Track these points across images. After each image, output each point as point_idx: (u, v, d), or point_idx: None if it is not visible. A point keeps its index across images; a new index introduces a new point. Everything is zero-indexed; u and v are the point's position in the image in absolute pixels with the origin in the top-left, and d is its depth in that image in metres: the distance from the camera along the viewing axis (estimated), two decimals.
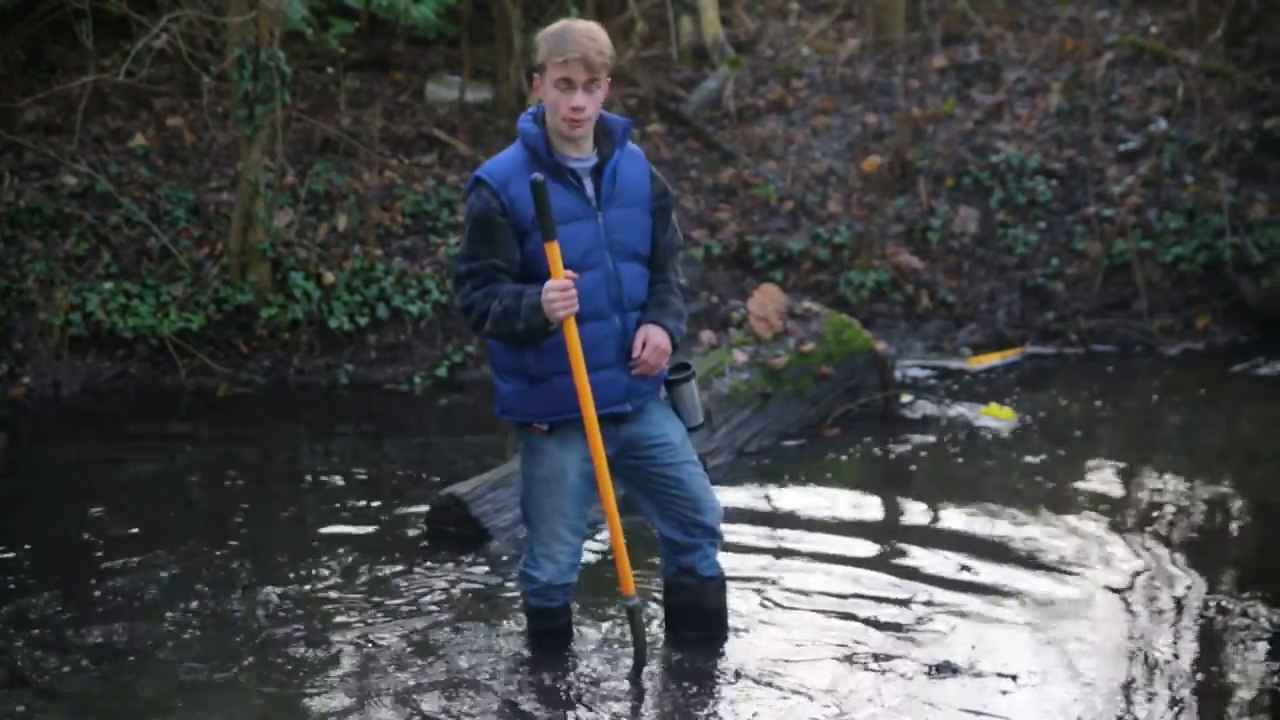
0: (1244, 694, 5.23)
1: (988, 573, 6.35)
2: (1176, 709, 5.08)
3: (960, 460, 8.09)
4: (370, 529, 7.07)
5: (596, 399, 5.02)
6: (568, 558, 5.28)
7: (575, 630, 5.57)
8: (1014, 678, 5.27)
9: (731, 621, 5.78)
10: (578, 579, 5.40)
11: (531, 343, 4.99)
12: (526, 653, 5.49)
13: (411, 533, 6.97)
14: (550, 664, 5.39)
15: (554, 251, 4.90)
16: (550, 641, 5.47)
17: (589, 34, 4.96)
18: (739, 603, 6.01)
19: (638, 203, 5.15)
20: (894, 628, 5.77)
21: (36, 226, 10.09)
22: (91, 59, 10.45)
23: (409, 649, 5.61)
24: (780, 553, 6.67)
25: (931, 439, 8.48)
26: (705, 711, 5.07)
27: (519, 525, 6.86)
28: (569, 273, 4.91)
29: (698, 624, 5.52)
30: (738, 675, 5.33)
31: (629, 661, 5.38)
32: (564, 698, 5.16)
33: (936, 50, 13.11)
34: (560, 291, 4.86)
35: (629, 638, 5.41)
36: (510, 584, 6.22)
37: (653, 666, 5.34)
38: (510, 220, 4.99)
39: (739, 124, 12.19)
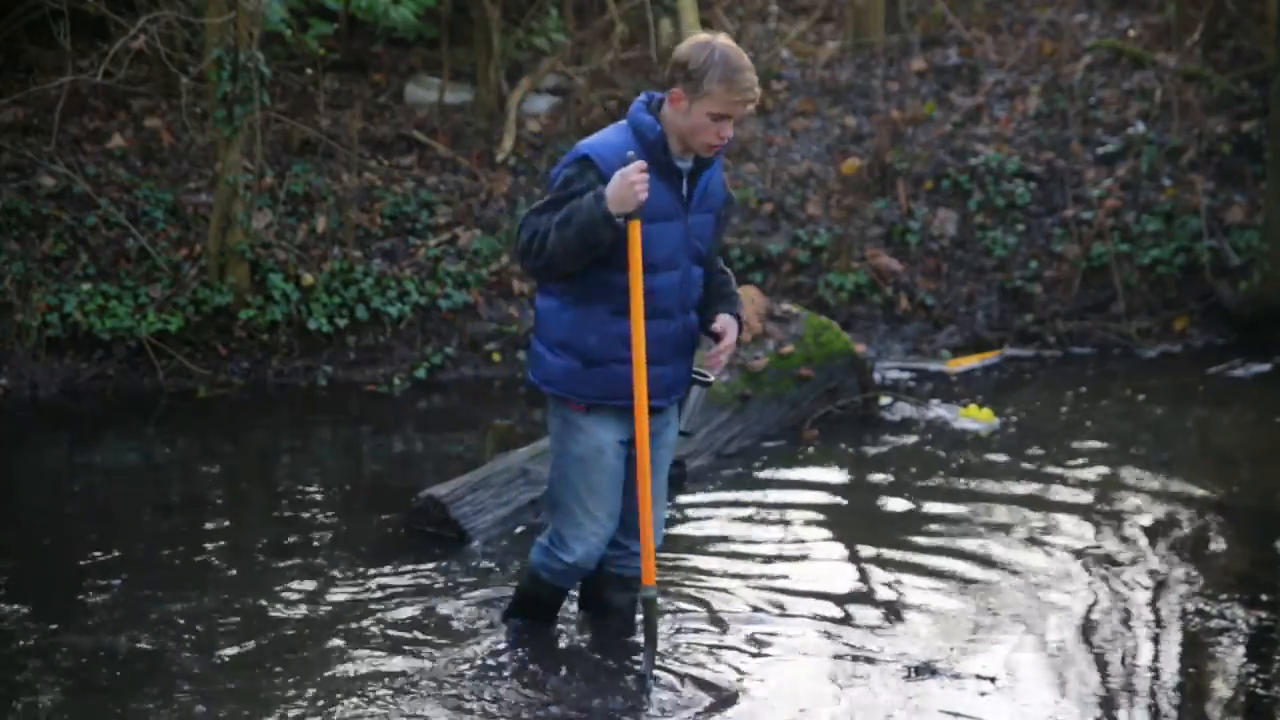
0: (1222, 695, 5.25)
1: (966, 574, 6.36)
2: (1155, 711, 5.10)
3: (938, 462, 8.10)
4: (349, 530, 7.05)
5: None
6: (600, 541, 5.23)
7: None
8: (993, 679, 5.29)
9: (710, 623, 5.79)
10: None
11: (592, 247, 4.90)
12: (505, 655, 5.47)
13: (390, 534, 6.96)
14: (538, 659, 5.37)
15: (635, 231, 4.91)
16: (539, 613, 5.49)
17: (752, 68, 4.95)
18: (717, 604, 6.02)
19: (714, 209, 5.20)
20: (873, 629, 5.78)
21: (14, 228, 10.05)
22: (69, 59, 10.40)
23: (387, 651, 5.60)
24: (759, 554, 6.67)
25: (910, 441, 8.49)
26: (684, 711, 5.06)
27: (499, 526, 6.87)
28: (641, 161, 4.89)
29: (602, 609, 5.55)
30: (716, 675, 5.33)
31: (601, 657, 5.37)
32: (550, 696, 5.16)
33: (915, 53, 13.13)
34: (636, 175, 4.84)
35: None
36: (489, 585, 6.21)
37: (626, 664, 5.33)
38: None
39: None
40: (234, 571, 6.51)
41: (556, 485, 5.26)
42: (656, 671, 5.24)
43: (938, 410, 8.96)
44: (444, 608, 6.03)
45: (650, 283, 5.02)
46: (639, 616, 5.62)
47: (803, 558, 6.62)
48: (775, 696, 5.18)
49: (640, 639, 5.33)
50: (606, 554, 5.41)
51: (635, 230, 4.92)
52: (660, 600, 5.97)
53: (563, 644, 5.55)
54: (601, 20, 12.40)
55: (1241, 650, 5.58)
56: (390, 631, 5.78)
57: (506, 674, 5.34)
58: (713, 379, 5.31)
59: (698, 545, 6.82)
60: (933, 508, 7.30)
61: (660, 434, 5.26)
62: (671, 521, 7.08)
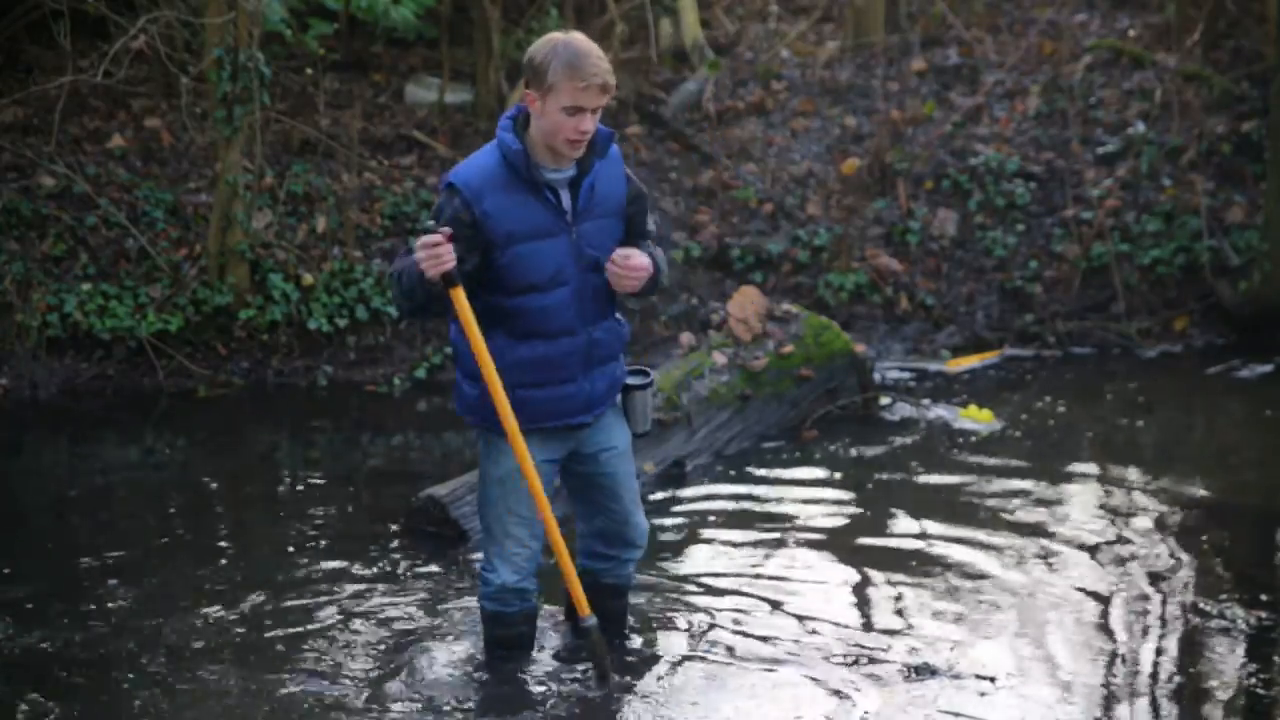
0: (1222, 695, 5.25)
1: (966, 574, 6.36)
2: (1155, 710, 5.10)
3: (939, 462, 8.10)
4: (349, 530, 7.06)
5: (557, 410, 5.05)
6: (524, 561, 5.23)
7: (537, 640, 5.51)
8: (993, 679, 5.29)
9: (708, 622, 5.80)
10: (537, 587, 5.35)
11: (423, 306, 4.89)
12: (489, 660, 5.46)
13: (390, 534, 6.96)
14: (510, 672, 5.36)
15: (458, 297, 4.84)
16: (505, 652, 5.38)
17: (599, 55, 4.85)
18: (716, 604, 6.02)
19: (612, 212, 5.09)
20: (873, 629, 5.78)
21: (14, 228, 10.05)
22: (69, 59, 10.40)
23: (386, 651, 5.60)
24: (758, 554, 6.67)
25: (910, 441, 8.49)
26: (683, 712, 5.07)
27: None
28: (444, 230, 4.79)
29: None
30: (712, 677, 5.33)
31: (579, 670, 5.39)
32: (527, 706, 5.16)
33: (916, 53, 13.13)
34: (425, 248, 4.77)
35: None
36: None
37: (622, 669, 5.33)
38: (478, 234, 4.92)
39: (719, 126, 12.20)
40: (233, 571, 6.52)
41: (482, 507, 5.26)
42: (626, 670, 5.24)
43: (938, 410, 8.96)
44: (443, 608, 6.03)
45: (540, 302, 4.97)
46: (630, 620, 5.64)
47: (802, 558, 6.62)
48: (774, 697, 5.18)
49: (636, 644, 5.32)
50: (597, 566, 5.43)
51: (458, 295, 4.84)
52: (655, 602, 6.00)
53: (559, 649, 5.54)
54: (601, 20, 12.41)
55: (1241, 650, 5.58)
56: (389, 631, 5.79)
57: (503, 678, 5.34)
58: (649, 380, 5.27)
59: (696, 545, 6.82)
60: (932, 508, 7.30)
61: (606, 445, 5.22)
62: (671, 521, 7.09)
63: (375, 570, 6.47)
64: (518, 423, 5.00)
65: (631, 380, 5.28)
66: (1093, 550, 6.65)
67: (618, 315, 5.21)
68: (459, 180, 4.95)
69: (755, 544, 6.82)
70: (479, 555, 6.63)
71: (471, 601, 6.05)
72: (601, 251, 5.04)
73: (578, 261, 5.01)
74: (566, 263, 4.99)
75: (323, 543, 6.88)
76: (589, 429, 5.18)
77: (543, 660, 5.44)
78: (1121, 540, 6.79)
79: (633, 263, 4.97)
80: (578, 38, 4.90)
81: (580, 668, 5.38)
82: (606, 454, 5.23)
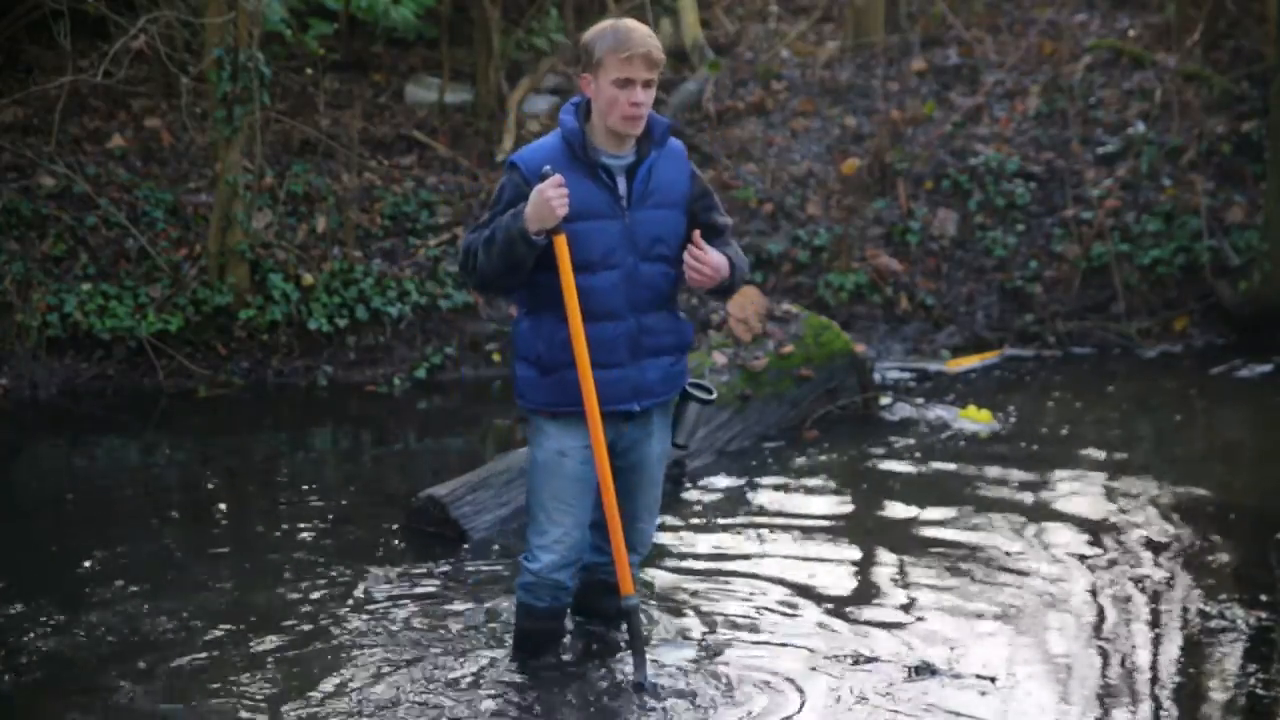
0: (1221, 695, 5.25)
1: (966, 574, 6.36)
2: (1155, 711, 5.10)
3: (938, 462, 8.10)
4: (349, 530, 7.05)
5: (604, 395, 5.03)
6: (566, 549, 5.18)
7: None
8: (993, 679, 5.29)
9: (706, 621, 5.80)
10: (573, 585, 5.31)
11: (517, 265, 4.92)
12: (502, 658, 5.43)
13: (390, 534, 6.96)
14: (523, 666, 5.36)
15: (561, 245, 4.90)
16: (531, 645, 5.37)
17: (646, 31, 4.98)
18: (718, 604, 6.02)
19: (673, 203, 5.12)
20: (873, 629, 5.77)
21: (14, 227, 10.05)
22: (69, 59, 10.40)
23: (386, 652, 5.60)
24: (758, 553, 6.67)
25: (910, 441, 8.49)
26: (684, 713, 5.06)
27: (499, 526, 6.87)
28: (558, 175, 4.89)
29: (591, 614, 5.58)
30: (715, 676, 5.33)
31: (594, 663, 5.38)
32: (534, 699, 5.16)
33: (916, 53, 13.13)
34: (555, 187, 4.84)
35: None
36: (488, 586, 6.22)
37: (625, 666, 5.33)
38: None
39: (719, 126, 12.20)
40: (233, 572, 6.51)
41: (528, 493, 5.27)
42: (651, 677, 5.23)
43: (938, 410, 8.96)
44: (443, 608, 6.03)
45: (587, 283, 4.99)
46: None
47: (802, 558, 6.62)
48: (775, 696, 5.18)
49: (627, 647, 5.31)
50: (597, 562, 5.43)
51: (561, 244, 4.91)
52: (657, 602, 6.00)
53: (559, 649, 5.53)
54: (601, 20, 12.40)
55: (1241, 650, 5.58)
56: (389, 633, 5.78)
57: (504, 677, 5.34)
58: (713, 397, 5.29)
59: (697, 545, 6.82)
60: (932, 508, 7.30)
61: (642, 443, 5.23)
62: (671, 521, 7.09)
63: (375, 571, 6.47)
64: (558, 403, 5.07)
65: (693, 390, 5.28)
66: (1093, 550, 6.65)
67: (680, 312, 5.24)
68: (519, 159, 5.06)
69: (755, 544, 6.81)
70: (479, 557, 6.66)
71: (472, 603, 6.05)
72: (660, 241, 5.09)
73: (630, 247, 5.05)
74: (618, 246, 5.03)
75: (323, 543, 6.88)
76: (631, 424, 5.17)
77: (560, 660, 5.44)
78: (1121, 540, 6.79)
79: (709, 258, 5.03)
80: (628, 20, 5.03)
81: (589, 665, 5.38)
82: (637, 445, 5.22)
